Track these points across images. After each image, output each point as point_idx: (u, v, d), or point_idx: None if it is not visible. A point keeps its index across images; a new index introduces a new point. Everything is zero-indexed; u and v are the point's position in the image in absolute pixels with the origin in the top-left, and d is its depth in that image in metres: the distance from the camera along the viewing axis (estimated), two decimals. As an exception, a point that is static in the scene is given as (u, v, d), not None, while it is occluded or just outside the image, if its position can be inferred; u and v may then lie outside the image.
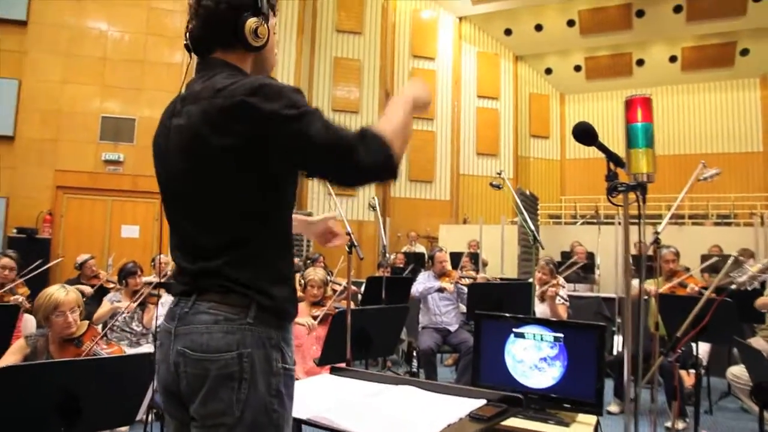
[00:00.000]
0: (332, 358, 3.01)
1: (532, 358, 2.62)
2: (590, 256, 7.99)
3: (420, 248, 10.75)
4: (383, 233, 5.68)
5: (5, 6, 9.88)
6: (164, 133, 1.38)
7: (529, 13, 13.68)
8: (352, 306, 4.47)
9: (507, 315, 2.83)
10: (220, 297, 1.27)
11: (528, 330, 2.67)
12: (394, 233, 12.14)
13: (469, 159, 14.00)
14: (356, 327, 3.06)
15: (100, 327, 4.61)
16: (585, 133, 1.49)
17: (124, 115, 9.65)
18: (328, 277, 6.20)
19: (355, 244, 2.95)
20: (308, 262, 6.80)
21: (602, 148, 1.52)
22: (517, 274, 7.75)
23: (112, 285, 5.60)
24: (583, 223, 11.47)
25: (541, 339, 2.62)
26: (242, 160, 1.24)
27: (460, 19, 14.16)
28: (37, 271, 5.01)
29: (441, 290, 5.20)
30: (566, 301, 4.57)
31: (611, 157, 1.53)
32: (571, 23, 13.68)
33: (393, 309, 3.59)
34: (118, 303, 4.46)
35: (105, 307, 4.58)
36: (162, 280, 4.82)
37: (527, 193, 9.36)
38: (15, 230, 8.96)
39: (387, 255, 5.68)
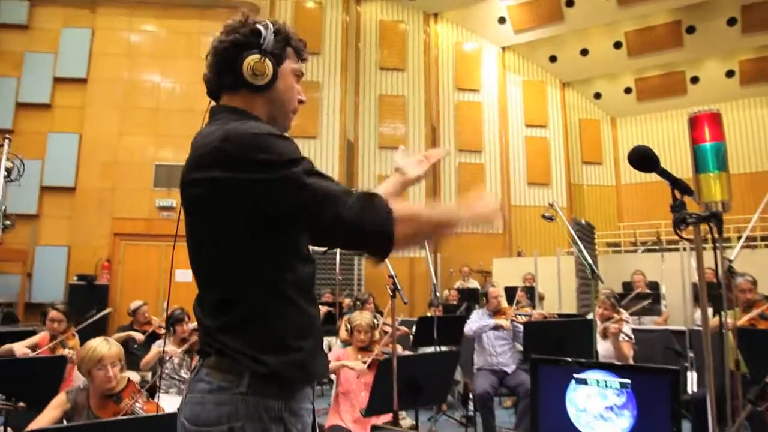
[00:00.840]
0: (379, 407, 2.84)
1: (597, 407, 2.37)
2: (654, 285, 7.51)
3: (474, 283, 10.45)
4: (432, 271, 5.49)
5: (67, 66, 10.48)
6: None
7: (574, 39, 13.44)
8: (401, 350, 4.29)
9: (567, 359, 2.59)
10: (216, 362, 1.18)
11: (591, 376, 2.42)
12: (446, 269, 11.88)
13: (520, 190, 13.68)
14: (404, 374, 2.88)
15: (149, 375, 4.60)
16: (643, 159, 1.30)
17: (177, 162, 9.94)
18: (378, 319, 6.04)
19: (399, 287, 2.80)
20: (357, 303, 6.65)
21: (665, 174, 1.33)
22: (576, 309, 7.35)
23: (163, 331, 5.61)
24: (644, 251, 10.91)
25: (606, 386, 2.37)
26: (223, 210, 1.17)
27: (503, 49, 14.06)
28: (90, 321, 5.08)
29: (496, 328, 4.93)
30: (630, 338, 4.22)
31: (676, 184, 1.33)
32: (617, 45, 13.34)
33: (443, 354, 3.40)
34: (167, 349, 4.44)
35: (152, 352, 4.58)
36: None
37: (583, 222, 8.99)
38: (76, 277, 9.26)
39: (437, 294, 5.47)
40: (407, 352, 4.12)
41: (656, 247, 10.37)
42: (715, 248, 1.26)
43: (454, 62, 13.83)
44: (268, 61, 1.30)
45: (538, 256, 8.22)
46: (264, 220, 1.17)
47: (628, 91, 14.50)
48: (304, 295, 1.27)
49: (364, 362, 4.01)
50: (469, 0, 13.03)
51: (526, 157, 13.82)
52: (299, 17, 12.10)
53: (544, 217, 4.66)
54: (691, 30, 12.58)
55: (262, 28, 1.32)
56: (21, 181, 9.56)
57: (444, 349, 5.46)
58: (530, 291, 7.68)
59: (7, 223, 3.21)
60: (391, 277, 2.81)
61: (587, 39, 13.47)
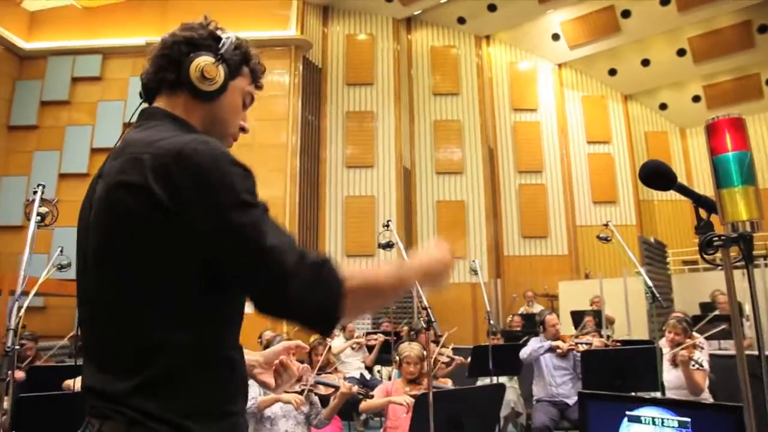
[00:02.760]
0: (418, 447, 2.70)
1: (654, 449, 2.14)
2: (738, 306, 6.92)
3: (539, 308, 10.05)
4: (486, 298, 5.29)
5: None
6: (87, 198, 1.13)
7: (633, 50, 12.93)
8: (450, 383, 4.13)
9: (618, 395, 2.38)
10: (127, 428, 0.96)
11: (645, 413, 2.19)
12: (509, 294, 11.52)
13: (585, 209, 13.15)
14: (443, 410, 2.73)
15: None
16: (656, 175, 1.15)
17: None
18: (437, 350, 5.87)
19: (433, 320, 2.67)
20: (411, 333, 6.51)
21: (685, 191, 1.18)
22: (647, 334, 6.89)
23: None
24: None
25: (663, 424, 2.14)
26: (155, 234, 0.97)
27: (559, 65, 13.73)
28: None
29: (552, 350, 4.67)
30: (702, 366, 3.86)
31: (700, 202, 1.18)
32: (681, 53, 12.70)
33: (485, 388, 3.21)
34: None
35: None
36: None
37: (651, 240, 8.48)
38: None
39: (492, 321, 5.26)
40: (449, 386, 3.94)
41: (739, 264, 9.61)
42: (748, 275, 1.09)
43: (509, 83, 13.63)
44: (221, 69, 1.15)
45: (604, 278, 7.81)
46: (202, 260, 1.00)
47: (696, 99, 13.74)
48: (234, 336, 1.11)
49: (413, 396, 3.88)
50: (520, 20, 12.84)
51: (590, 175, 13.30)
52: (351, 50, 12.34)
53: (599, 238, 4.41)
54: (763, 29, 11.81)
55: (222, 35, 1.20)
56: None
57: (502, 379, 5.23)
58: (598, 315, 7.27)
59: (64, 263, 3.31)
60: (425, 308, 2.69)
61: (647, 48, 12.93)
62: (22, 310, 3.03)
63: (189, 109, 1.17)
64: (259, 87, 1.29)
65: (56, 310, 9.61)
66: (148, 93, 1.21)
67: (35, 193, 2.50)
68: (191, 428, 0.97)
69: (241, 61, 1.22)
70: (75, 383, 3.93)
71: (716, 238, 1.10)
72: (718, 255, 1.13)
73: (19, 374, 4.63)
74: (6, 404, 3.06)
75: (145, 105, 1.22)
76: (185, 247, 0.98)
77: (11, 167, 10.69)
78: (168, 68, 1.16)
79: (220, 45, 1.17)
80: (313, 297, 0.98)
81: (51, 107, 11.08)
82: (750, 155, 1.07)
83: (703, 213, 1.16)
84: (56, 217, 2.58)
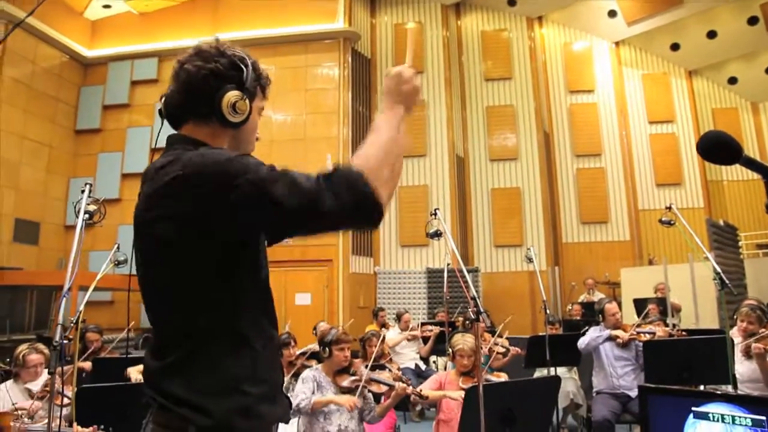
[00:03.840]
0: (469, 442, 2.62)
1: (724, 448, 1.97)
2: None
3: (600, 296, 9.70)
4: (542, 287, 5.13)
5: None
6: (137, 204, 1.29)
7: (698, 21, 12.18)
8: (505, 377, 4.01)
9: (683, 389, 2.21)
10: (159, 416, 1.10)
11: (713, 409, 2.03)
12: (568, 282, 11.18)
13: (648, 192, 12.58)
14: (495, 404, 2.64)
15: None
16: (719, 147, 1.02)
17: (291, 191, 10.36)
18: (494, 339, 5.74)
19: (482, 310, 2.58)
20: (467, 324, 6.40)
21: (753, 164, 1.04)
22: (717, 323, 6.50)
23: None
24: (804, 251, 9.48)
25: (733, 422, 1.97)
26: (189, 243, 1.11)
27: (617, 43, 13.13)
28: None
29: (611, 339, 4.47)
30: (779, 358, 3.57)
31: (771, 175, 1.04)
32: (753, 21, 11.85)
33: (539, 381, 3.09)
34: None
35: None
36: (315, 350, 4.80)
37: (720, 223, 8.00)
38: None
39: (548, 311, 5.09)
40: (503, 378, 3.82)
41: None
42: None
43: (563, 64, 13.17)
44: (247, 100, 1.26)
45: (669, 264, 7.42)
46: (232, 245, 1.13)
47: (770, 71, 12.84)
48: (260, 322, 1.20)
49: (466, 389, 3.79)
50: (574, -2, 12.37)
51: (652, 157, 12.69)
52: (399, 40, 12.21)
53: (661, 222, 4.17)
54: (844, -7, 10.91)
55: (241, 64, 1.28)
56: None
57: (560, 370, 5.06)
58: (662, 302, 6.92)
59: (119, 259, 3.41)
60: (473, 299, 2.60)
61: (713, 19, 12.15)
62: (81, 305, 3.14)
63: (216, 135, 1.28)
64: (266, 97, 1.40)
65: (123, 304, 10.03)
66: (173, 121, 1.32)
67: (83, 192, 2.57)
68: (206, 406, 1.07)
69: (257, 83, 1.32)
70: (134, 372, 4.06)
71: (790, 217, 0.96)
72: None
73: (87, 365, 4.83)
74: (70, 394, 3.19)
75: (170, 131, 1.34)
76: (220, 238, 1.11)
77: (78, 169, 11.22)
78: (199, 102, 1.25)
79: (244, 77, 1.26)
80: (344, 199, 1.06)
81: (113, 110, 11.54)
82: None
83: (774, 189, 1.02)
84: (104, 215, 2.64)
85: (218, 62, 1.26)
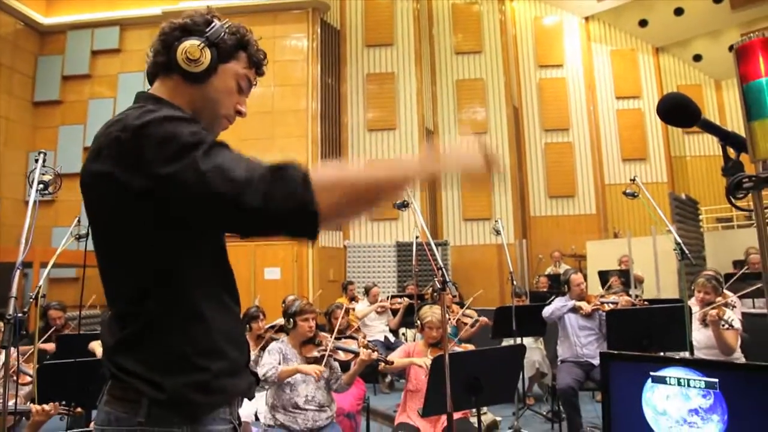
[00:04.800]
0: (435, 408, 2.65)
1: (679, 410, 2.03)
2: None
3: (566, 268, 9.90)
4: (509, 259, 5.19)
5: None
6: None
7: (665, -2, 12.32)
8: (471, 346, 4.07)
9: (642, 354, 2.27)
10: (112, 388, 1.08)
11: (670, 373, 2.08)
12: (535, 255, 11.37)
13: (614, 167, 12.81)
14: (462, 372, 2.67)
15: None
16: (678, 109, 1.02)
17: (259, 165, 10.21)
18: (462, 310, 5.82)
19: (448, 280, 2.59)
20: (435, 295, 6.45)
21: (710, 126, 1.05)
22: (677, 293, 6.70)
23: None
24: (760, 224, 9.77)
25: (689, 385, 2.03)
26: (119, 207, 1.05)
27: (586, 19, 13.19)
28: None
29: (575, 310, 4.57)
30: (732, 326, 3.70)
31: (728, 139, 1.05)
32: (718, -1, 12.05)
33: (504, 349, 3.14)
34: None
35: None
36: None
37: (682, 197, 8.20)
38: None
39: (515, 282, 5.16)
40: (470, 347, 3.87)
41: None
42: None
43: (533, 39, 13.19)
44: (207, 51, 1.18)
45: (633, 237, 7.59)
46: (163, 217, 1.04)
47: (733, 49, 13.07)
48: (218, 297, 1.15)
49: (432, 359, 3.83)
50: (545, -29, 12.33)
51: (619, 132, 12.90)
52: (369, 11, 12.02)
53: (625, 194, 4.24)
54: (806, -29, 11.12)
55: (216, 21, 1.23)
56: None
57: (527, 340, 5.16)
58: (625, 274, 7.10)
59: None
60: (439, 269, 2.61)
61: (681, -4, 12.29)
62: (42, 281, 3.05)
63: (178, 91, 1.20)
64: (260, 73, 1.31)
65: (88, 280, 9.81)
66: (150, 78, 1.26)
67: (36, 161, 2.47)
68: (159, 381, 1.03)
69: (237, 46, 1.24)
70: (98, 346, 3.99)
71: (746, 179, 0.97)
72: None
73: (50, 346, 4.72)
74: (32, 372, 3.11)
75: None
76: (147, 209, 1.03)
77: (38, 143, 10.82)
78: (160, 53, 1.21)
79: (208, 28, 1.20)
80: (278, 199, 0.95)
81: (73, 81, 11.13)
82: (788, 81, 0.93)
83: (731, 152, 1.03)
84: (60, 186, 2.54)
85: (192, 18, 1.22)
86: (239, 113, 1.29)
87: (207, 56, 1.18)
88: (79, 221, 3.87)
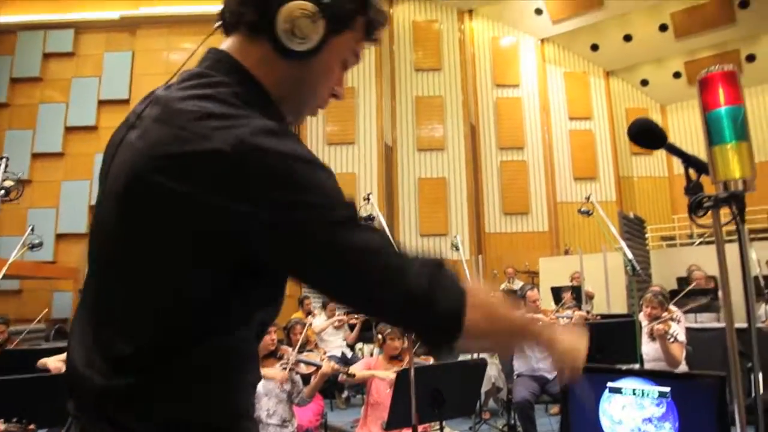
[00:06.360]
0: (399, 421, 2.68)
1: (634, 419, 2.13)
2: (713, 280, 7.02)
3: (520, 284, 10.09)
4: (467, 273, 5.28)
5: (111, 88, 10.79)
6: (112, 146, 0.92)
7: (615, 25, 12.87)
8: (432, 361, 4.11)
9: (599, 366, 2.37)
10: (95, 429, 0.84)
11: (626, 384, 2.18)
12: (490, 271, 11.57)
13: (566, 185, 13.21)
14: (425, 386, 2.71)
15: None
16: (646, 133, 1.10)
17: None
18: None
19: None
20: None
21: (674, 150, 1.13)
22: (626, 308, 6.95)
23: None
24: (700, 243, 10.27)
25: (643, 395, 2.13)
26: (197, 236, 0.79)
27: (542, 41, 13.65)
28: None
29: (533, 327, 4.69)
30: (677, 339, 3.87)
31: (690, 161, 1.13)
32: (663, 28, 12.67)
33: (467, 363, 3.20)
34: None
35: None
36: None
37: (630, 215, 8.54)
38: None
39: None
40: (430, 362, 3.92)
41: (714, 239, 9.74)
42: (739, 236, 1.05)
43: (491, 58, 13.53)
44: (321, 23, 0.86)
45: (584, 254, 7.84)
46: (248, 267, 0.82)
47: (677, 75, 13.77)
48: (243, 363, 0.92)
49: (395, 372, 3.85)
50: (503, -7, 12.72)
51: (571, 152, 13.34)
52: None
53: (580, 212, 4.40)
54: (744, 4, 11.82)
55: None
56: (72, 201, 9.87)
57: (483, 355, 5.24)
58: (577, 290, 7.31)
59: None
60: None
61: (630, 24, 12.87)
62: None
63: (266, 64, 0.89)
64: (375, 41, 0.99)
65: (33, 293, 9.42)
66: (226, 27, 0.94)
67: (-3, 166, 2.36)
68: None
69: (355, 10, 0.92)
70: (53, 362, 3.82)
71: (706, 199, 1.05)
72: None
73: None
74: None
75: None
76: (240, 254, 0.81)
77: (-18, 146, 10.39)
78: (250, 5, 0.87)
79: None
80: (439, 298, 0.81)
81: (22, 84, 10.77)
82: (744, 110, 1.01)
83: (693, 174, 1.11)
84: (21, 192, 2.45)
85: None
86: (335, 96, 1.00)
87: (319, 31, 0.86)
88: (32, 230, 3.73)
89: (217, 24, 0.96)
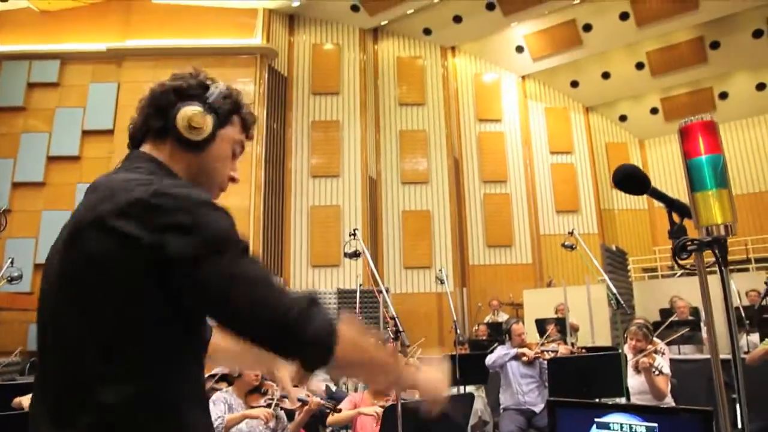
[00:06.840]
0: (387, 460, 2.65)
1: (622, 455, 2.14)
2: (695, 311, 7.11)
3: (504, 317, 10.12)
4: (452, 307, 5.29)
5: (95, 119, 10.78)
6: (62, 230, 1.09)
7: (594, 62, 13.27)
8: (417, 395, 4.09)
9: (587, 402, 2.38)
10: None
11: (613, 419, 2.20)
12: (474, 303, 11.58)
13: (548, 218, 13.37)
14: (413, 421, 2.69)
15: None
16: (630, 179, 1.15)
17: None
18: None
19: (401, 329, 2.64)
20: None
21: (658, 195, 1.18)
22: (611, 340, 6.99)
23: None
24: (682, 275, 10.41)
25: (630, 430, 2.14)
26: (126, 276, 0.95)
27: (523, 77, 13.98)
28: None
29: (517, 357, 4.69)
30: (662, 372, 3.91)
31: (673, 206, 1.18)
32: (640, 66, 13.10)
33: (454, 398, 3.18)
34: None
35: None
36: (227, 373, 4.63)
37: (613, 248, 8.66)
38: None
39: (458, 331, 5.25)
40: (416, 397, 3.90)
41: (695, 270, 9.88)
42: (722, 278, 1.09)
43: (474, 94, 13.79)
44: (209, 118, 1.14)
45: (568, 286, 7.90)
46: (172, 302, 0.98)
47: (654, 111, 14.19)
48: (196, 400, 1.06)
49: (382, 406, 3.82)
50: (485, 32, 13.03)
51: (553, 185, 13.54)
52: (317, 59, 12.30)
53: (564, 246, 4.46)
54: (715, 45, 12.29)
55: (210, 83, 1.19)
56: (52, 230, 9.73)
57: (469, 389, 5.22)
58: (561, 322, 7.34)
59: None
60: (392, 318, 2.66)
61: (608, 62, 13.29)
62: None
63: (175, 157, 1.15)
64: (249, 137, 1.26)
65: (8, 325, 9.19)
66: (134, 143, 1.19)
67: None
68: None
69: (231, 110, 1.20)
70: (27, 400, 3.72)
71: (690, 243, 1.09)
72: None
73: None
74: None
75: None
76: (159, 287, 0.97)
77: (-38, 175, 10.25)
78: (155, 116, 1.15)
79: (208, 93, 1.16)
80: (314, 322, 0.99)
81: (5, 113, 10.70)
82: (723, 159, 1.07)
83: (676, 217, 1.16)
84: (4, 226, 2.43)
85: (185, 80, 1.17)
86: (232, 180, 1.24)
87: (209, 123, 1.14)
88: (12, 262, 3.68)
89: (128, 143, 1.21)
